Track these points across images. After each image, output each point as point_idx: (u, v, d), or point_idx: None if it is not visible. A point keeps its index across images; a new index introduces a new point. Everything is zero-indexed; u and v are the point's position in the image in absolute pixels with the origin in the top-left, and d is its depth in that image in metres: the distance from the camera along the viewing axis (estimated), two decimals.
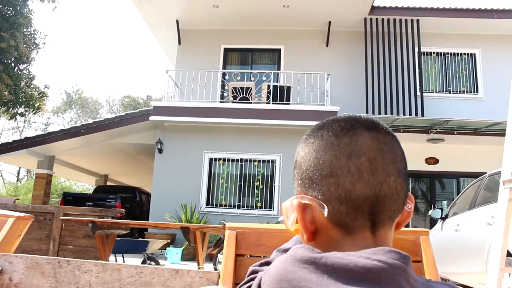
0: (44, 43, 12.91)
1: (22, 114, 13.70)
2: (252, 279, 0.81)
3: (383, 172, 0.66)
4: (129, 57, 64.37)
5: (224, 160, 11.60)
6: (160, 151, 11.59)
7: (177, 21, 12.73)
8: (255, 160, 11.53)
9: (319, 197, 0.67)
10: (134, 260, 6.79)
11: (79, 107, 35.01)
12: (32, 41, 12.75)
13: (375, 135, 0.68)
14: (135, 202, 13.96)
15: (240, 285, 0.85)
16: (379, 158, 0.66)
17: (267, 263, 0.87)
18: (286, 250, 0.88)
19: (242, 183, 11.47)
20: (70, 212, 5.03)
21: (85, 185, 32.80)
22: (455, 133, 11.02)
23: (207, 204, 11.28)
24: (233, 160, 11.59)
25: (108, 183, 20.03)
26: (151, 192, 12.09)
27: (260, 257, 1.56)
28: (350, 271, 0.58)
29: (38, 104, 13.30)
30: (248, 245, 1.58)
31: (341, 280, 0.58)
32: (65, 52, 58.94)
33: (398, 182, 0.68)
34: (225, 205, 11.36)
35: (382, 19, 12.36)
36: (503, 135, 2.65)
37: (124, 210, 5.42)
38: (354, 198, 0.65)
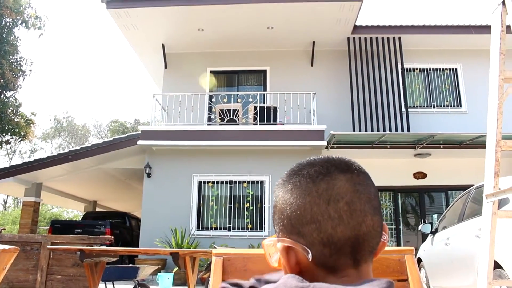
0: (30, 70, 12.92)
1: (7, 142, 13.59)
2: None
3: (361, 212, 0.69)
4: (116, 82, 64.39)
5: (213, 182, 11.56)
6: (149, 175, 11.53)
7: (163, 45, 12.81)
8: (244, 182, 11.51)
9: (302, 241, 0.69)
10: (124, 287, 6.69)
11: (68, 134, 34.83)
12: (19, 68, 12.74)
13: (349, 177, 0.72)
14: (124, 227, 13.82)
15: None
16: (356, 200, 0.70)
17: (238, 285, 0.88)
18: (267, 282, 0.89)
19: (232, 205, 11.43)
20: (58, 241, 4.95)
21: (75, 212, 32.42)
22: (441, 147, 11.14)
23: (198, 227, 11.20)
24: (222, 182, 11.56)
25: (97, 209, 19.82)
26: (140, 217, 11.98)
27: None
28: None
29: (24, 131, 13.21)
30: (235, 271, 1.58)
31: None
32: (53, 79, 58.83)
33: (375, 220, 0.71)
34: (216, 228, 11.28)
35: (365, 38, 12.57)
36: None
37: (112, 237, 5.37)
38: (336, 240, 0.68)
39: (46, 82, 56.96)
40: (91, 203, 19.63)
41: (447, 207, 8.98)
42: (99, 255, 3.83)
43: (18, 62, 12.91)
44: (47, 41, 58.85)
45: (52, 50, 61.13)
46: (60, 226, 12.34)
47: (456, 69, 12.84)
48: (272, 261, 0.77)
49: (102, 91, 61.55)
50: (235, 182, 11.54)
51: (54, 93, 58.05)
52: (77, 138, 34.86)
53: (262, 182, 11.47)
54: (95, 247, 3.97)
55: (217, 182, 11.58)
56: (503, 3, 2.41)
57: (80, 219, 18.67)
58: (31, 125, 13.81)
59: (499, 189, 2.31)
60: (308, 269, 0.70)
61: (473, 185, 6.05)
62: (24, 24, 11.91)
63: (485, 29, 11.85)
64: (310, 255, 0.68)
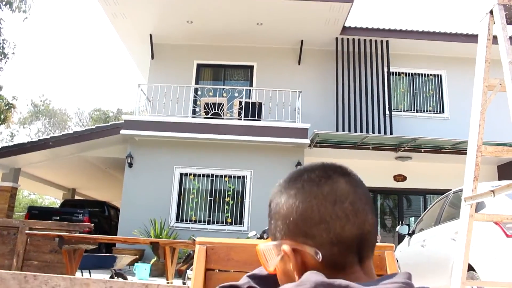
0: (13, 53, 12.69)
1: None
2: None
3: (363, 212, 0.74)
4: (101, 70, 63.67)
5: (194, 175, 11.55)
6: (130, 165, 11.46)
7: (150, 35, 12.72)
8: (225, 176, 11.53)
9: (311, 243, 0.72)
10: (101, 276, 6.66)
11: (46, 119, 34.29)
12: (1, 50, 12.51)
13: (348, 180, 0.76)
14: (103, 216, 13.72)
15: None
16: (358, 200, 0.74)
17: (234, 286, 0.91)
18: (261, 277, 0.92)
19: (212, 198, 11.44)
20: (36, 227, 4.90)
21: (52, 199, 32.04)
22: (422, 151, 11.31)
23: (177, 219, 11.19)
24: (203, 175, 11.56)
25: (76, 197, 19.63)
26: (120, 207, 11.90)
27: (230, 271, 1.58)
28: None
29: (4, 115, 13.00)
30: (218, 260, 1.60)
31: None
32: (34, 63, 57.91)
33: (374, 219, 0.76)
34: (195, 221, 11.28)
35: (353, 39, 12.66)
36: None
37: (92, 224, 5.33)
38: (345, 239, 0.71)
39: (28, 67, 56.08)
40: (70, 191, 19.42)
41: (424, 210, 9.14)
42: (78, 242, 3.82)
43: (1, 45, 12.68)
44: (32, 25, 57.91)
45: (37, 35, 60.14)
46: (37, 213, 12.19)
47: (440, 75, 13.03)
48: (269, 266, 0.80)
49: (86, 79, 60.83)
50: (216, 176, 11.54)
51: (35, 78, 57.15)
52: (56, 123, 34.36)
53: (243, 177, 11.50)
54: (75, 234, 3.96)
55: (199, 175, 11.57)
56: (491, 12, 2.46)
57: (57, 206, 18.49)
58: (12, 109, 13.58)
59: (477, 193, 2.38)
60: (316, 270, 0.71)
61: (451, 189, 6.17)
62: (8, 6, 11.69)
63: (471, 38, 12.04)
64: (320, 256, 0.71)
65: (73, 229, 4.67)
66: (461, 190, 5.51)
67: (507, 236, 3.93)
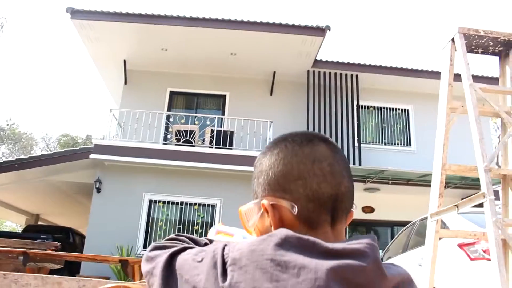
0: None
1: None
2: (171, 246, 0.85)
3: (340, 174, 0.79)
4: (71, 95, 62.92)
5: (164, 202, 11.42)
6: (99, 190, 11.26)
7: (124, 61, 12.75)
8: (195, 204, 11.45)
9: (288, 197, 0.77)
10: None
11: (12, 142, 33.46)
12: None
13: (329, 146, 0.82)
14: (68, 243, 13.31)
15: (152, 250, 0.86)
16: (335, 163, 0.80)
17: (193, 240, 0.93)
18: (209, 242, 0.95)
19: (181, 226, 11.31)
20: None
21: (13, 225, 30.93)
22: (390, 183, 11.54)
23: (144, 246, 10.97)
24: (173, 203, 11.44)
25: (40, 223, 19.03)
26: (85, 234, 11.61)
27: None
28: (333, 251, 0.68)
29: None
30: None
31: (321, 256, 0.67)
32: (2, 83, 56.74)
33: (350, 183, 0.81)
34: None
35: (324, 72, 12.99)
36: None
37: (59, 243, 5.20)
38: (320, 196, 0.76)
39: None
40: (33, 216, 18.82)
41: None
42: (43, 260, 3.72)
43: None
44: (3, 44, 57.01)
45: (7, 54, 59.19)
46: None
47: (408, 110, 13.46)
48: (249, 225, 0.85)
49: (55, 103, 59.91)
50: (186, 204, 11.45)
51: (1, 99, 55.89)
52: (23, 147, 33.55)
53: (213, 206, 11.44)
54: (41, 251, 3.85)
55: (168, 202, 11.45)
56: (453, 40, 2.63)
57: (19, 232, 17.84)
58: None
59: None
60: (291, 225, 0.76)
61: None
62: None
63: (436, 74, 12.53)
64: (295, 209, 0.76)
65: (38, 248, 4.53)
66: (426, 218, 5.66)
67: (471, 259, 4.05)
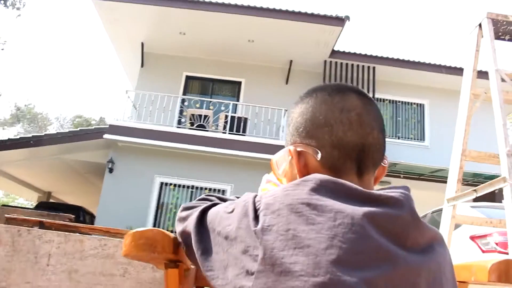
0: (2, 49, 12.62)
1: None
2: (202, 201, 0.88)
3: (369, 125, 0.79)
4: (88, 76, 63.35)
5: (174, 185, 11.50)
6: (111, 170, 11.37)
7: (142, 44, 12.79)
8: (206, 188, 11.51)
9: (314, 144, 0.78)
10: None
11: (27, 122, 33.85)
12: None
13: (361, 97, 0.82)
14: (78, 221, 13.46)
15: (183, 210, 0.88)
16: (365, 114, 0.79)
17: (223, 199, 0.92)
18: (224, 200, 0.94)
19: None
20: (15, 215, 4.81)
21: (25, 203, 31.38)
22: (402, 177, 11.49)
23: None
24: (183, 186, 11.51)
25: (51, 201, 19.28)
26: (95, 213, 11.75)
27: None
28: (368, 197, 0.69)
29: None
30: None
31: (357, 202, 0.67)
32: (22, 62, 57.30)
33: (380, 136, 0.80)
34: (172, 231, 11.17)
35: (341, 63, 12.91)
36: (445, 181, 2.87)
37: (73, 216, 5.28)
38: (345, 144, 0.76)
39: (15, 65, 55.44)
40: (45, 194, 19.09)
41: None
42: (58, 230, 3.77)
43: None
44: (25, 23, 57.47)
45: (28, 34, 59.68)
46: None
47: (423, 104, 13.36)
48: (279, 173, 0.87)
49: (71, 84, 60.41)
50: (196, 188, 11.51)
51: (21, 77, 56.48)
52: (37, 126, 33.94)
53: (224, 191, 11.49)
54: (56, 221, 3.91)
55: (179, 186, 11.52)
56: (480, 25, 2.61)
57: (31, 208, 18.09)
58: None
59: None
60: (316, 171, 0.76)
61: None
62: (3, 2, 11.68)
63: (454, 70, 12.41)
64: (319, 155, 0.77)
65: (53, 219, 4.60)
66: (439, 210, 5.64)
67: (483, 252, 4.03)
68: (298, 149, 0.80)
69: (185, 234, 0.84)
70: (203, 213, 0.80)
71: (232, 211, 0.73)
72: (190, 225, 0.81)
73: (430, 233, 0.72)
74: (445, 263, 0.72)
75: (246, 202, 0.72)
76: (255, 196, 0.72)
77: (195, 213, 0.81)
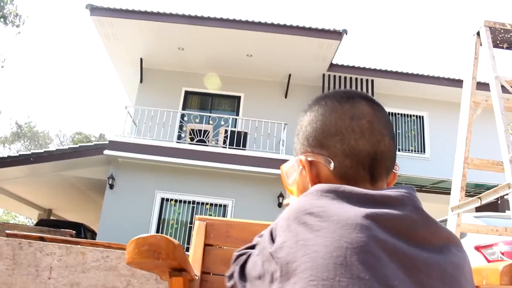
0: (2, 67, 12.66)
1: None
2: (240, 259, 0.89)
3: (380, 132, 0.78)
4: (87, 92, 63.56)
5: (176, 201, 11.45)
6: (111, 186, 11.33)
7: (141, 59, 12.85)
8: (207, 203, 11.46)
9: (325, 153, 0.77)
10: None
11: (28, 140, 33.87)
12: None
13: (371, 104, 0.81)
14: (79, 238, 13.41)
15: (229, 272, 0.92)
16: (376, 121, 0.79)
17: (252, 247, 0.95)
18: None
19: (192, 225, 11.30)
20: (16, 231, 4.77)
21: (26, 221, 31.24)
22: None
23: None
24: (185, 201, 11.47)
25: (52, 218, 19.18)
26: (96, 230, 11.67)
27: (228, 248, 1.61)
28: (369, 198, 0.68)
29: None
30: (217, 236, 1.63)
31: (358, 204, 0.67)
32: (21, 79, 57.48)
33: (391, 143, 0.80)
34: None
35: (340, 76, 12.97)
36: (447, 193, 2.86)
37: (74, 231, 5.24)
38: (358, 152, 0.76)
39: (14, 82, 55.61)
40: (46, 211, 18.99)
41: None
42: None
43: None
44: (24, 40, 57.81)
45: (27, 51, 59.98)
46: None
47: (422, 116, 13.38)
48: (289, 183, 0.86)
49: (70, 100, 60.56)
50: (197, 203, 11.47)
51: (20, 94, 56.59)
52: (38, 145, 33.96)
53: (225, 206, 11.45)
54: (57, 237, 3.88)
55: (180, 201, 11.47)
56: (478, 34, 2.62)
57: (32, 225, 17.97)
58: None
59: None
60: (328, 181, 0.77)
61: None
62: (2, 20, 11.76)
63: (453, 82, 12.46)
64: (332, 165, 0.76)
65: (54, 235, 4.55)
66: (444, 221, 5.61)
67: (489, 261, 4.00)
68: (309, 158, 0.80)
69: None
70: (242, 268, 0.83)
71: (259, 253, 0.75)
72: (235, 282, 0.85)
73: (444, 233, 0.71)
74: (464, 264, 0.71)
75: (265, 236, 0.74)
76: (272, 227, 0.73)
77: (235, 272, 0.85)
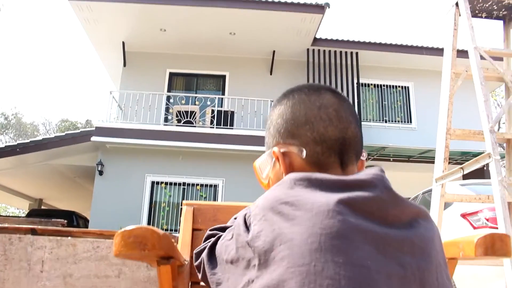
0: None
1: None
2: (210, 240, 0.93)
3: (347, 119, 0.82)
4: (70, 79, 62.72)
5: (166, 183, 11.47)
6: (101, 173, 11.31)
7: (123, 43, 12.67)
8: (197, 184, 11.50)
9: (297, 143, 0.81)
10: None
11: (15, 131, 33.48)
12: None
13: (336, 95, 0.86)
14: (72, 227, 13.43)
15: (197, 249, 0.97)
16: (342, 109, 0.83)
17: (223, 228, 0.99)
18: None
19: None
20: (6, 224, 4.74)
21: (16, 211, 31.11)
22: (391, 160, 11.58)
23: None
24: (175, 184, 11.49)
25: (43, 208, 19.14)
26: (89, 217, 11.69)
27: None
28: (340, 183, 0.71)
29: None
30: (204, 220, 1.65)
31: (330, 190, 0.69)
32: (4, 70, 56.53)
33: (357, 130, 0.84)
34: (166, 230, 11.17)
35: (324, 51, 12.92)
36: (434, 162, 2.92)
37: (65, 220, 5.24)
38: (327, 139, 0.79)
39: None
40: (36, 201, 18.93)
41: None
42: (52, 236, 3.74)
43: None
44: (3, 27, 56.66)
45: (5, 40, 58.83)
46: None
47: (408, 87, 13.44)
48: (263, 177, 0.89)
49: (54, 88, 59.78)
50: (188, 184, 11.50)
51: (3, 85, 55.74)
52: (26, 137, 33.63)
53: (215, 186, 11.49)
54: (49, 227, 3.88)
55: (170, 184, 11.49)
56: (456, 4, 2.63)
57: (23, 216, 17.96)
58: None
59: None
60: (302, 169, 0.80)
61: None
62: None
63: (436, 51, 12.49)
64: (304, 153, 0.79)
65: (45, 226, 4.54)
66: (430, 191, 5.70)
67: (474, 228, 4.09)
68: (282, 150, 0.83)
69: (199, 270, 0.93)
70: (211, 249, 0.88)
71: (231, 237, 0.78)
72: (203, 261, 0.90)
73: (413, 209, 0.74)
74: (433, 236, 0.74)
75: (238, 222, 0.76)
76: (245, 213, 0.76)
77: (204, 252, 0.90)
